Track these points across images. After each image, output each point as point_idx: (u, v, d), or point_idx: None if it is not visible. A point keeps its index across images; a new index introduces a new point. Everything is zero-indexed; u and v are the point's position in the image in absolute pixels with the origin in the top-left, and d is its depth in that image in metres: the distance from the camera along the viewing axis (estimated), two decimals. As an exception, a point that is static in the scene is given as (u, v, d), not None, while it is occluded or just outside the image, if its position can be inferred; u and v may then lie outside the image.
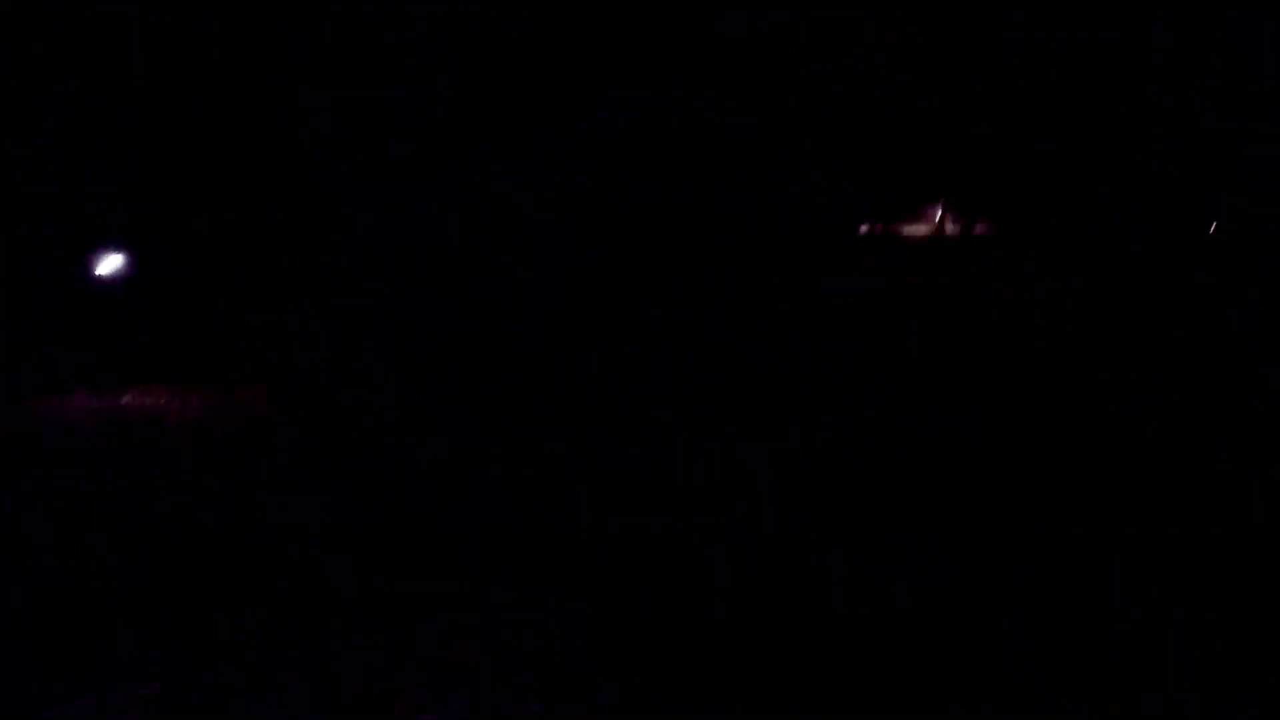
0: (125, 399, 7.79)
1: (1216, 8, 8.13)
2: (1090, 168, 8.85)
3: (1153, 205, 8.75)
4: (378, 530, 5.34)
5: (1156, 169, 8.66)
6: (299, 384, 8.45)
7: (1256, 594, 4.29)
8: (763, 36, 8.43)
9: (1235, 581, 4.42)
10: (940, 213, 8.69)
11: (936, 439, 6.46)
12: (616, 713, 3.64)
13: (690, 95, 8.62)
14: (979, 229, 8.78)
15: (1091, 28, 8.42)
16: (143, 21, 7.89)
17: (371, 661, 4.00)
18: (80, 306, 8.50)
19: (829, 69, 8.52)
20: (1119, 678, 3.77)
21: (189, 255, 8.67)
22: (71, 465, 6.45)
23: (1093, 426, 6.49)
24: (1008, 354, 8.22)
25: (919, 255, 9.03)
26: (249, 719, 3.66)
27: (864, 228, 8.86)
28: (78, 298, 8.48)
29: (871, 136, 8.82)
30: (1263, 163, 8.40)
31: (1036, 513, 5.21)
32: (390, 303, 9.08)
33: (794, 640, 4.06)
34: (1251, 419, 6.42)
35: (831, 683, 3.78)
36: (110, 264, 8.04)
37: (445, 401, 7.97)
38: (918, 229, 9.07)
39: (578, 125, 8.69)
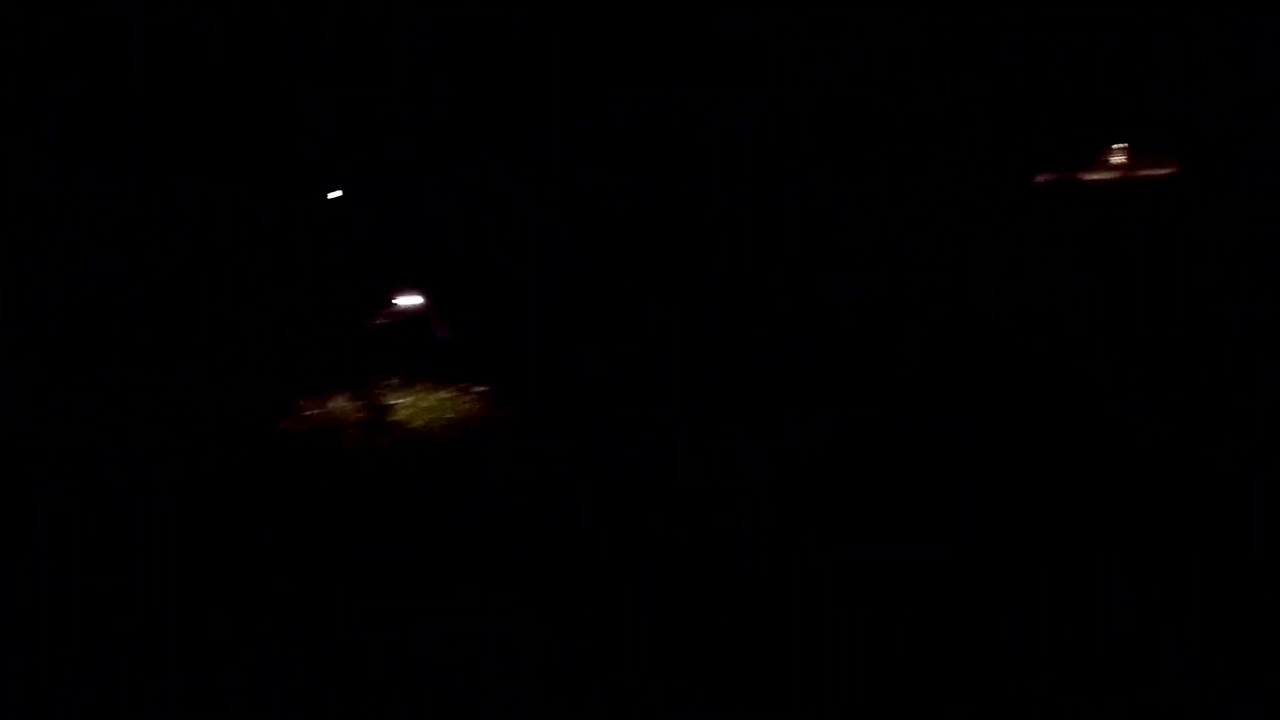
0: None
1: (1216, 8, 8.13)
2: (1089, 167, 8.85)
3: (1152, 205, 8.75)
4: (378, 530, 5.34)
5: (1156, 169, 8.66)
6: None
7: (1256, 594, 4.28)
8: (763, 36, 8.43)
9: (1235, 581, 4.41)
10: (1121, 156, 8.52)
11: (936, 439, 6.46)
12: (616, 713, 3.64)
13: (690, 95, 8.62)
14: (1162, 169, 8.63)
15: (1091, 28, 8.42)
16: (143, 21, 7.89)
17: (371, 661, 4.00)
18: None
19: (829, 69, 8.52)
20: (1119, 678, 3.77)
21: (192, 255, 8.67)
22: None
23: (1093, 426, 6.49)
24: (1008, 354, 8.22)
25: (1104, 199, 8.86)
26: (249, 719, 3.67)
27: (1041, 177, 8.70)
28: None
29: (872, 136, 8.82)
30: (1263, 163, 8.40)
31: (1036, 513, 5.21)
32: (388, 301, 9.07)
33: (794, 640, 4.06)
34: (1251, 419, 6.42)
35: (831, 683, 3.78)
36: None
37: (445, 400, 7.96)
38: (1099, 174, 8.91)
39: (578, 125, 8.69)
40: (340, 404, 7.94)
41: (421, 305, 8.44)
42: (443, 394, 8.08)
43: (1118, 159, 8.69)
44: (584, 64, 8.35)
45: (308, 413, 7.84)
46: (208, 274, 8.93)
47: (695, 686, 3.73)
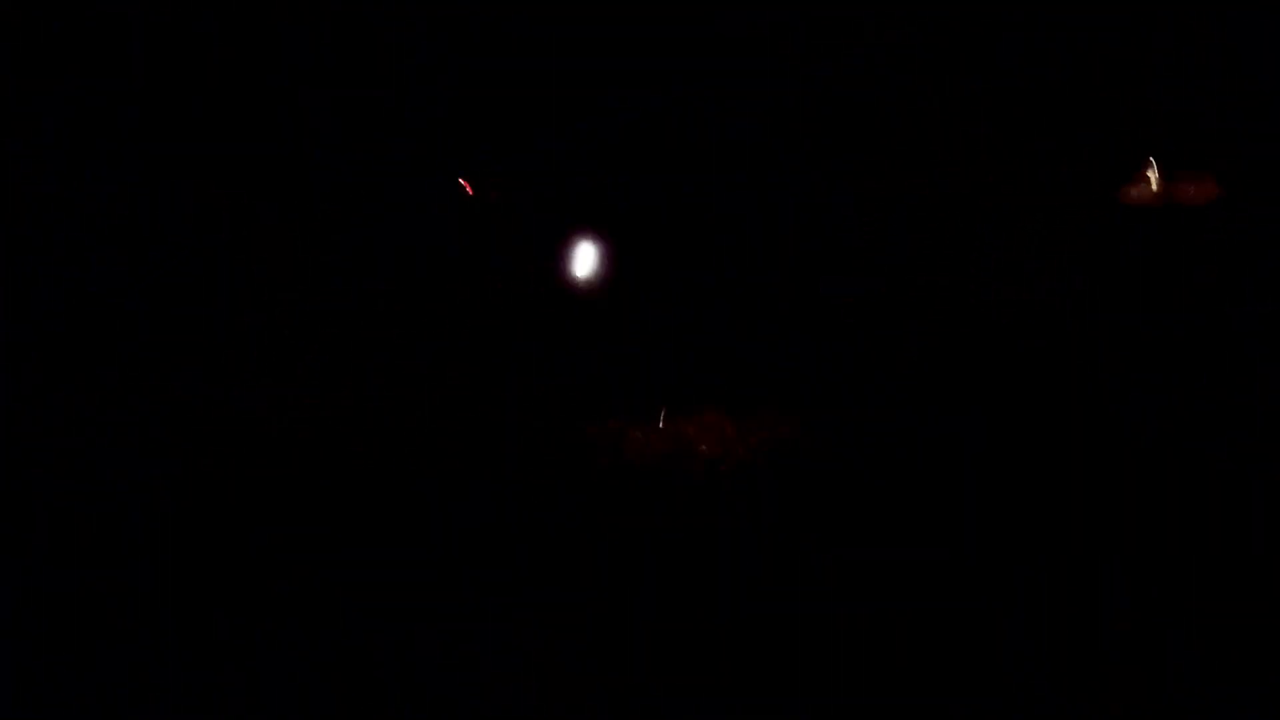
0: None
1: (1216, 8, 8.13)
2: (1090, 168, 8.85)
3: (1152, 205, 8.74)
4: (378, 530, 5.34)
5: (1156, 168, 8.66)
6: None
7: (1256, 594, 4.28)
8: (763, 36, 8.43)
9: (1235, 581, 4.42)
10: (1154, 174, 8.33)
11: (936, 439, 6.46)
12: (616, 713, 3.64)
13: (690, 95, 8.62)
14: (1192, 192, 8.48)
15: (1091, 28, 8.42)
16: (143, 21, 7.88)
17: (371, 662, 4.01)
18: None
19: (829, 69, 8.52)
20: (1119, 678, 3.77)
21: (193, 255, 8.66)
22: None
23: (1093, 426, 6.49)
24: (1008, 354, 8.22)
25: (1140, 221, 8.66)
26: (249, 719, 3.67)
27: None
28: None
29: (872, 136, 8.82)
30: (1263, 163, 8.40)
31: (1036, 513, 5.21)
32: (388, 302, 9.07)
33: (794, 640, 4.06)
34: (1251, 419, 6.41)
35: (831, 683, 3.78)
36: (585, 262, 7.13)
37: (445, 401, 7.97)
38: (1135, 193, 8.75)
39: (578, 125, 8.68)
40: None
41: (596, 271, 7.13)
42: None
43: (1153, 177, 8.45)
44: (584, 64, 8.35)
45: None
46: (208, 274, 8.92)
47: (695, 686, 3.73)
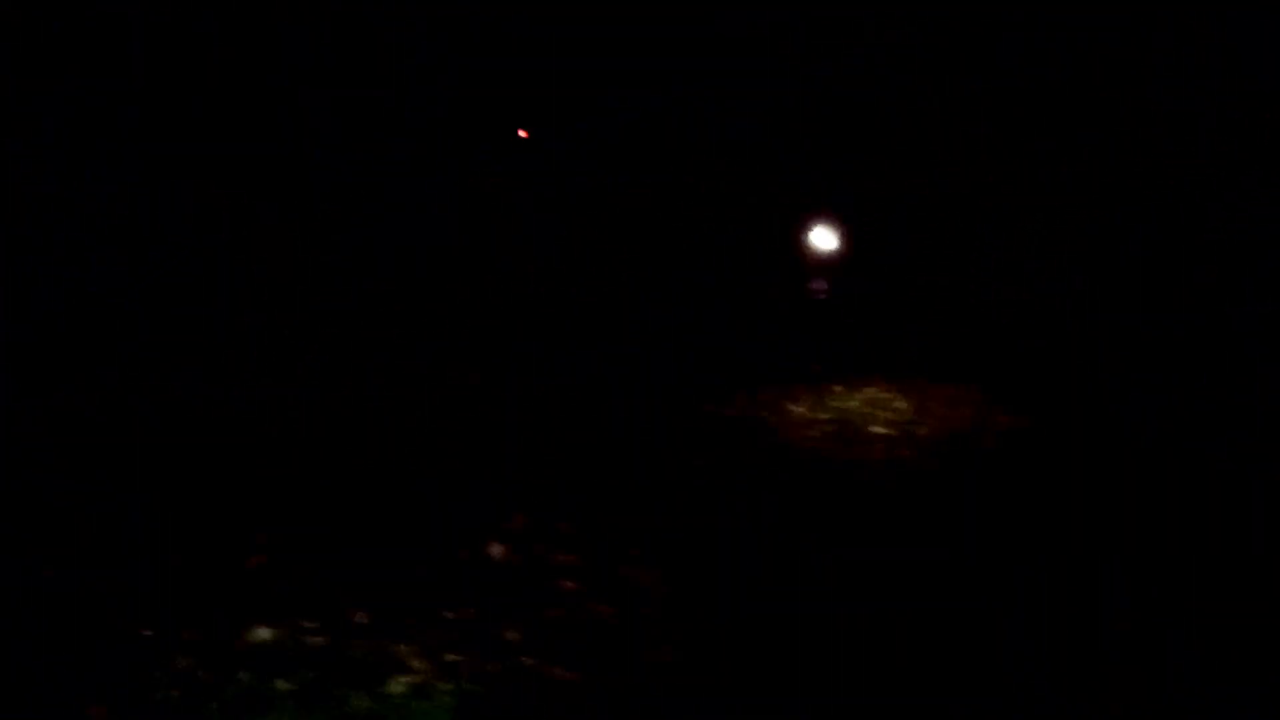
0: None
1: (1216, 8, 8.13)
2: (1090, 168, 8.86)
3: (1152, 205, 8.75)
4: (378, 530, 5.35)
5: (1156, 169, 8.67)
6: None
7: (1256, 594, 4.29)
8: (763, 36, 8.44)
9: (1235, 581, 4.42)
10: None
11: (937, 438, 6.47)
12: (617, 713, 3.64)
13: (690, 95, 8.62)
14: None
15: (1091, 28, 8.43)
16: (143, 21, 7.89)
17: (371, 660, 4.01)
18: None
19: (829, 69, 8.52)
20: (1119, 678, 3.77)
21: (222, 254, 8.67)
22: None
23: (1093, 426, 6.50)
24: (1008, 354, 8.23)
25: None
26: (250, 718, 3.67)
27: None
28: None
29: (872, 136, 8.82)
30: (1263, 163, 8.40)
31: (1036, 513, 5.22)
32: (388, 302, 9.08)
33: (794, 640, 4.06)
34: (1251, 419, 6.43)
35: (831, 683, 3.78)
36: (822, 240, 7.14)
37: (445, 401, 7.97)
38: None
39: (578, 125, 8.69)
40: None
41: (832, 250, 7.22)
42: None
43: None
44: (584, 64, 8.35)
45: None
46: (208, 274, 8.93)
47: (695, 686, 3.73)
